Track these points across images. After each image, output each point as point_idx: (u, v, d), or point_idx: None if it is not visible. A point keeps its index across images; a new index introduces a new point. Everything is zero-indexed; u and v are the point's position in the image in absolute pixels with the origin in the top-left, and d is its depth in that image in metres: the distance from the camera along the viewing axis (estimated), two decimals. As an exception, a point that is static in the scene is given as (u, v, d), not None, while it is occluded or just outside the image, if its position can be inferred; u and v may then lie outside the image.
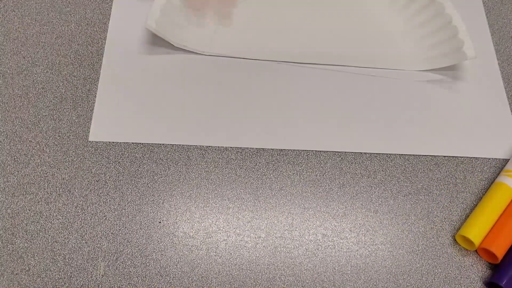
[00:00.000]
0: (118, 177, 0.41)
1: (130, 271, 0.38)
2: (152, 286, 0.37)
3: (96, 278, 0.37)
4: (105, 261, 0.38)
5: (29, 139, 0.42)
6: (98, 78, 0.44)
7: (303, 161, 0.42)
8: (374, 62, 0.46)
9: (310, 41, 0.47)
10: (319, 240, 0.39)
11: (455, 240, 0.40)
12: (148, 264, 0.38)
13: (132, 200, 0.40)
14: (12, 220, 0.39)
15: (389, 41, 0.47)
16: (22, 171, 0.41)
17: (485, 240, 0.39)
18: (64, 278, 0.37)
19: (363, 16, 0.49)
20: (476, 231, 0.39)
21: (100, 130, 0.42)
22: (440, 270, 0.39)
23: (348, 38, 0.47)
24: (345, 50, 0.47)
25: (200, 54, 0.46)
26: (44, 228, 0.39)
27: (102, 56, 0.45)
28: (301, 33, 0.47)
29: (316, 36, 0.47)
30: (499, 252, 0.38)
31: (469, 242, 0.39)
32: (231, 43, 0.46)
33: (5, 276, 0.37)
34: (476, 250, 0.40)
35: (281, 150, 0.42)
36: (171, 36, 0.44)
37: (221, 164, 0.42)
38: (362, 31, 0.48)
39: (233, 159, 0.42)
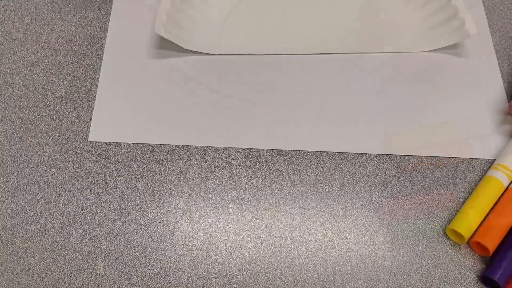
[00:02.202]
0: (118, 177, 0.41)
1: (130, 271, 0.38)
2: (152, 286, 0.37)
3: (96, 278, 0.37)
4: (105, 261, 0.38)
5: (29, 139, 0.42)
6: (98, 78, 0.44)
7: (303, 161, 0.42)
8: (378, 47, 0.47)
9: (314, 31, 0.47)
10: (319, 240, 0.39)
11: (446, 234, 0.40)
12: (148, 264, 0.38)
13: (132, 200, 0.40)
14: (12, 220, 0.39)
15: (391, 24, 0.48)
16: (22, 171, 0.41)
17: (477, 234, 0.39)
18: (64, 278, 0.37)
19: (362, 2, 0.49)
20: (465, 224, 0.39)
21: (100, 130, 0.42)
22: (440, 270, 0.39)
23: (351, 25, 0.48)
24: (349, 37, 0.47)
25: (202, 54, 0.46)
26: (44, 228, 0.39)
27: (102, 56, 0.45)
28: (305, 23, 0.48)
29: (320, 25, 0.48)
30: (491, 244, 0.38)
31: (459, 235, 0.39)
32: (239, 39, 0.46)
33: (5, 276, 0.37)
34: (468, 244, 0.40)
35: (281, 150, 0.42)
36: (179, 39, 0.44)
37: (221, 164, 0.42)
38: (364, 17, 0.48)
39: (233, 159, 0.42)
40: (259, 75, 0.45)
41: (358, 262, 0.39)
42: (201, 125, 0.43)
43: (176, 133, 0.42)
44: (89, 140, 0.42)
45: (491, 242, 0.38)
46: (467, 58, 0.47)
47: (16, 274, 0.37)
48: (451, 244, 0.40)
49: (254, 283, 0.38)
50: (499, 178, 0.40)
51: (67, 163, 0.41)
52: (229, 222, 0.40)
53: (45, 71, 0.45)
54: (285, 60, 0.46)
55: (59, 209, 0.39)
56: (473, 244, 0.39)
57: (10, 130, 0.42)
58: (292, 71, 0.46)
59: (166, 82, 0.44)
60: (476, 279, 0.38)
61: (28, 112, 0.43)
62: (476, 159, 0.43)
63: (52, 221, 0.39)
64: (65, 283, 0.37)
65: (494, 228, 0.39)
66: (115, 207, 0.40)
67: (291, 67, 0.46)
